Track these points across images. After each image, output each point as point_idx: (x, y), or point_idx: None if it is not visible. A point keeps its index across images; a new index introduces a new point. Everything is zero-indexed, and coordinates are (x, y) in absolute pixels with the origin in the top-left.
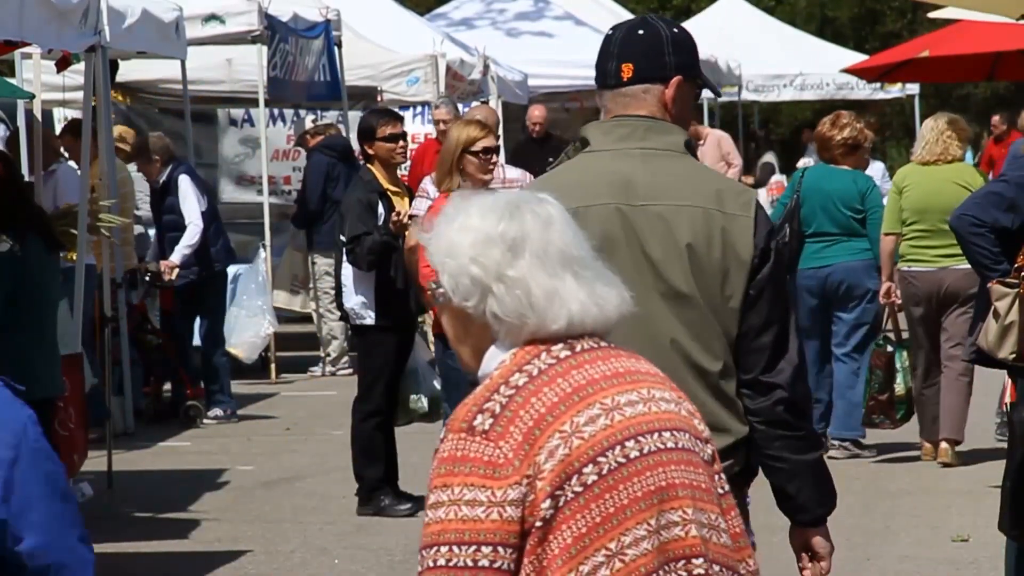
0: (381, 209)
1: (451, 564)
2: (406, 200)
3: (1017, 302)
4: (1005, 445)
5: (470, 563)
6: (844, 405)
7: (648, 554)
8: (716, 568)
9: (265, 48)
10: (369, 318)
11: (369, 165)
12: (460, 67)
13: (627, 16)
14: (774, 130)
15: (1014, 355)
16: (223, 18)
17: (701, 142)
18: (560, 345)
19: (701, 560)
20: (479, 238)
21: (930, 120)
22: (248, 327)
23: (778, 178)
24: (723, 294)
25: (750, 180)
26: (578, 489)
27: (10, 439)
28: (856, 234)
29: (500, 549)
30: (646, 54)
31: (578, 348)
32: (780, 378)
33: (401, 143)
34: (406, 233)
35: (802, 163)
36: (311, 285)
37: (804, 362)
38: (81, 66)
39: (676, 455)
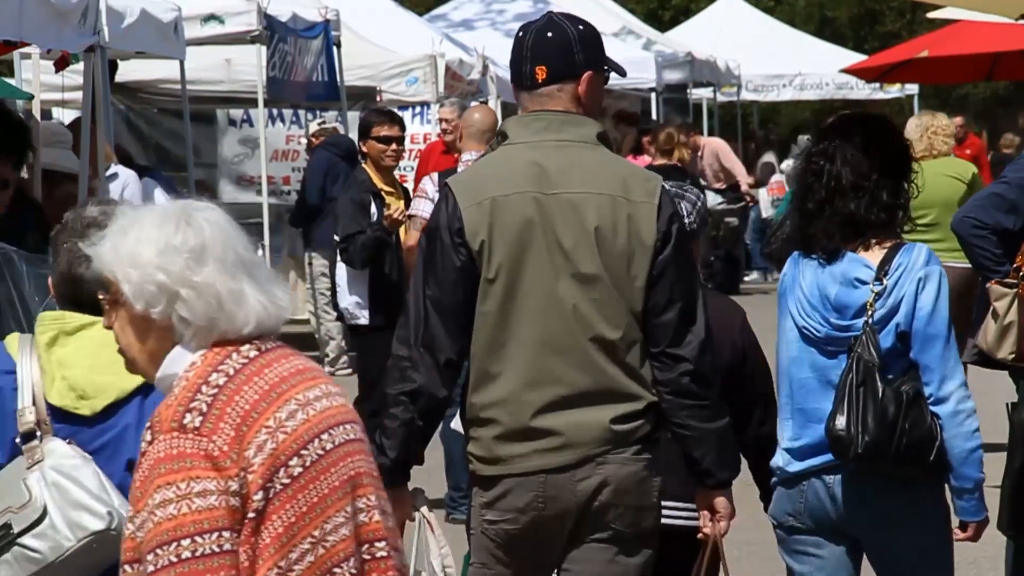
0: (374, 209)
1: (197, 554)
2: (401, 201)
3: (1016, 302)
4: (1005, 443)
5: (216, 549)
6: None
7: (346, 539)
8: (391, 549)
9: (264, 48)
10: (363, 318)
11: (364, 164)
12: (459, 67)
13: (626, 17)
14: (773, 130)
15: (1013, 355)
16: (222, 18)
17: (699, 153)
18: (248, 346)
19: (384, 543)
20: (161, 247)
21: (913, 119)
22: None
23: (778, 178)
24: (628, 275)
25: (751, 180)
26: (286, 481)
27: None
28: None
29: (236, 535)
30: (557, 56)
31: (263, 348)
32: (686, 350)
33: (394, 146)
34: (405, 232)
35: (784, 165)
36: (308, 286)
37: (711, 336)
38: (80, 66)
39: (356, 446)
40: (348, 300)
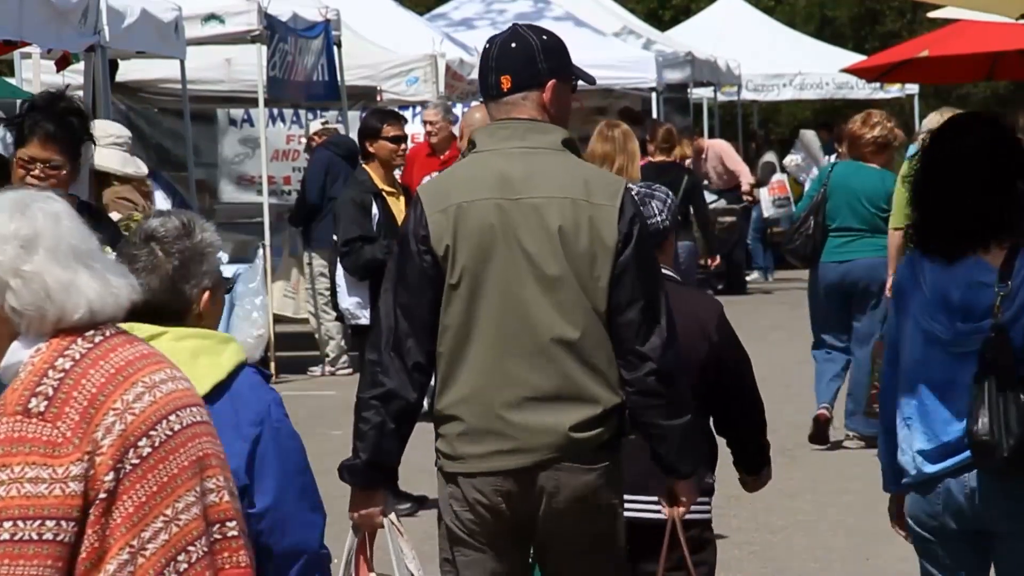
0: (375, 210)
1: (15, 538)
2: (401, 200)
3: None
4: None
5: (35, 536)
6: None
7: (197, 518)
8: (240, 530)
9: (264, 48)
10: (364, 318)
11: (366, 165)
12: (459, 67)
13: (627, 16)
14: (774, 130)
15: None
16: (222, 18)
17: (704, 156)
18: (92, 331)
19: (234, 523)
20: None
21: (935, 115)
22: (244, 328)
23: (779, 177)
24: (592, 275)
25: (752, 180)
26: (135, 461)
27: (255, 418)
28: (879, 231)
29: (63, 523)
30: (521, 65)
31: (107, 333)
32: (650, 349)
33: (403, 145)
34: None
35: (787, 160)
36: (307, 286)
37: (674, 335)
38: (80, 66)
39: (203, 427)
40: (349, 301)
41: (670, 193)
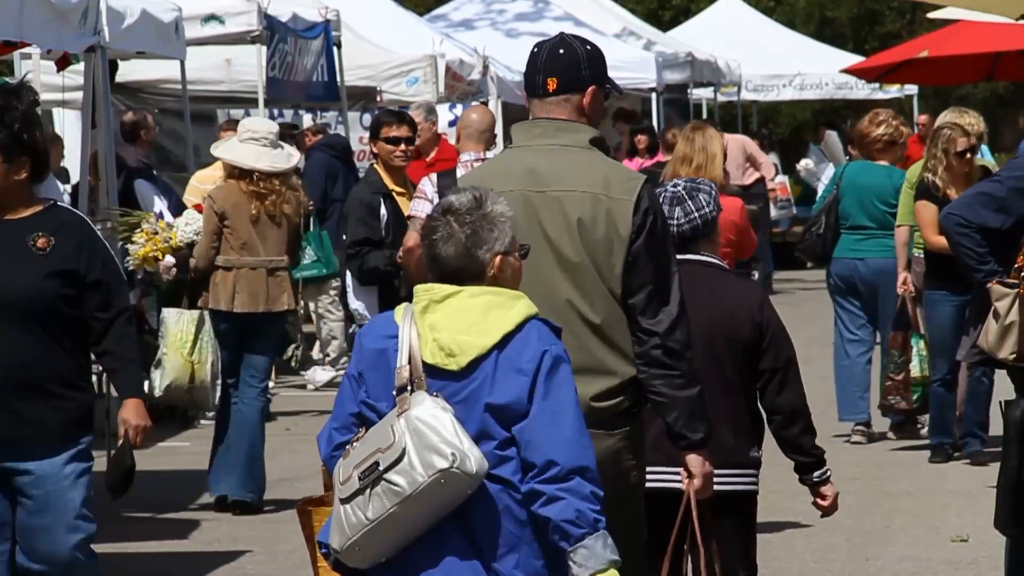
0: (384, 211)
1: None
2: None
3: (1017, 302)
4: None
5: None
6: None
7: None
8: None
9: (264, 48)
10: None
11: (375, 165)
12: (459, 67)
13: (626, 16)
14: (774, 130)
15: (1014, 355)
16: (222, 18)
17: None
18: None
19: None
20: None
21: (944, 113)
22: None
23: (780, 179)
24: (608, 262)
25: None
26: None
27: (532, 357)
28: (890, 227)
29: None
30: (567, 70)
31: None
32: (658, 326)
33: (403, 146)
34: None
35: (802, 164)
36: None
37: (684, 314)
38: (80, 66)
39: None
40: (357, 303)
41: (713, 185)
